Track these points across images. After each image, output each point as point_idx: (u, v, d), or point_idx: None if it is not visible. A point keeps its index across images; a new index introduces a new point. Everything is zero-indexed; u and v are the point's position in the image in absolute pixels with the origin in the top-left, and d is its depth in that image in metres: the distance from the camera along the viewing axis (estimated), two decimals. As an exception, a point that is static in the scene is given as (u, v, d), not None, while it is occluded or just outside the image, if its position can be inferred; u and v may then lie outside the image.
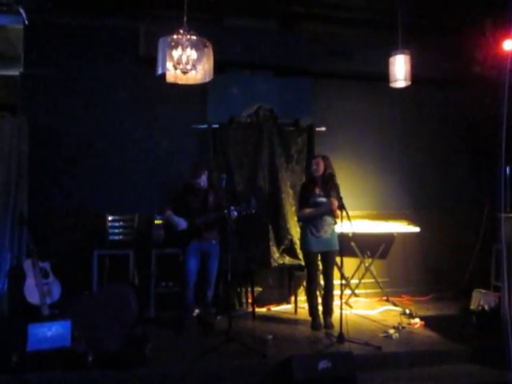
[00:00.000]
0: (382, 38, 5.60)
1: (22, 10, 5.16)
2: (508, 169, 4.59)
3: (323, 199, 4.51)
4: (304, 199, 4.62)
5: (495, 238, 5.11)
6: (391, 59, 4.71)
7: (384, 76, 4.81)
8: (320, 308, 4.71)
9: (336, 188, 4.41)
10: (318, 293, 4.86)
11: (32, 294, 4.53)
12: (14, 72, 5.45)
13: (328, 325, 4.40)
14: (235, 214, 4.33)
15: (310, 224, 4.56)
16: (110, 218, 5.29)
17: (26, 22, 5.27)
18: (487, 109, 5.62)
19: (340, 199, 4.25)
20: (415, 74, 4.69)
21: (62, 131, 5.39)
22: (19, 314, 4.52)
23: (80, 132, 5.43)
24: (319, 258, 4.69)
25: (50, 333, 3.62)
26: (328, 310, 4.59)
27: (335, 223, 4.58)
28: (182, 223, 4.49)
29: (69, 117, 5.42)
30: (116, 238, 5.29)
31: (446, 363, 3.93)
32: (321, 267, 4.76)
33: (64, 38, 5.42)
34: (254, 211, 4.45)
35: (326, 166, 4.57)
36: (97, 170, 5.44)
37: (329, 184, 4.52)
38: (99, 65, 5.47)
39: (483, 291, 5.01)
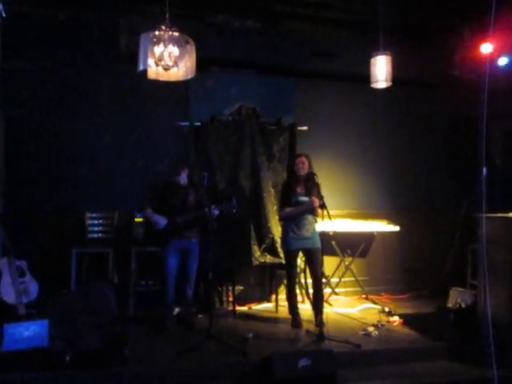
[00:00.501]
0: (364, 39, 5.65)
1: (-1, 2, 5.04)
2: (486, 169, 4.68)
3: (305, 198, 4.53)
4: (286, 198, 4.63)
5: (472, 237, 5.21)
6: (372, 60, 4.76)
7: (365, 77, 4.86)
8: (300, 306, 4.75)
9: (317, 187, 4.46)
10: (297, 291, 4.89)
11: (8, 293, 4.43)
12: (-9, 65, 5.32)
13: (319, 323, 4.37)
14: (216, 212, 4.30)
15: (292, 223, 4.57)
16: (89, 216, 5.22)
17: (3, 14, 5.14)
18: (466, 110, 5.73)
19: (321, 198, 4.29)
20: (396, 76, 4.75)
21: (39, 127, 5.29)
22: (-5, 314, 4.42)
23: (58, 128, 5.34)
24: (300, 256, 4.70)
25: (27, 333, 3.56)
26: (318, 308, 4.56)
27: (316, 222, 4.60)
28: (161, 222, 4.44)
29: (46, 112, 5.33)
30: (95, 235, 5.23)
31: (425, 360, 3.98)
32: (302, 266, 4.78)
33: (43, 31, 5.31)
34: (234, 211, 4.43)
35: (309, 164, 4.60)
36: (76, 166, 5.36)
37: (310, 183, 4.56)
38: (78, 59, 5.39)
39: (460, 289, 5.12)
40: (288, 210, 4.55)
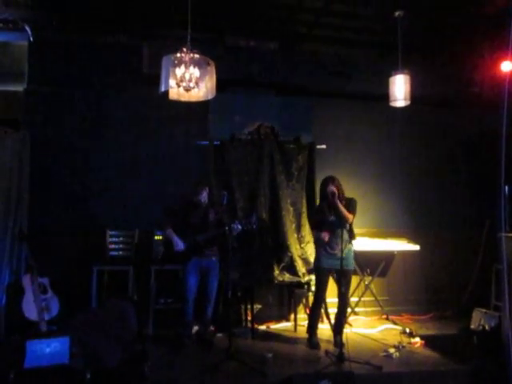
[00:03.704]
0: (381, 58, 5.70)
1: (27, 27, 5.25)
2: (507, 188, 4.61)
3: (334, 218, 4.49)
4: (318, 219, 4.63)
5: (495, 257, 5.11)
6: (391, 79, 4.78)
7: (384, 96, 4.87)
8: (319, 326, 4.71)
9: (347, 206, 4.47)
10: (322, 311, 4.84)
11: (30, 310, 4.49)
12: (18, 88, 5.50)
13: (338, 343, 4.30)
14: (239, 227, 4.32)
15: (326, 242, 4.54)
16: (110, 234, 5.29)
17: (31, 39, 5.35)
18: (486, 128, 5.69)
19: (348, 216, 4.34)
20: (414, 94, 4.76)
21: (63, 147, 5.44)
22: (17, 330, 4.48)
23: (82, 148, 5.48)
24: (330, 277, 4.64)
25: (49, 349, 3.59)
26: (338, 328, 4.52)
27: (351, 242, 4.56)
28: (180, 245, 4.48)
29: (71, 133, 5.48)
30: (116, 253, 5.28)
31: (447, 383, 3.89)
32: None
33: (68, 55, 5.49)
34: (254, 227, 4.44)
35: (338, 187, 4.52)
36: (98, 185, 5.46)
37: (332, 203, 4.49)
38: (102, 82, 5.54)
39: (484, 310, 4.99)
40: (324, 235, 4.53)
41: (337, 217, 4.46)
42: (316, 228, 4.76)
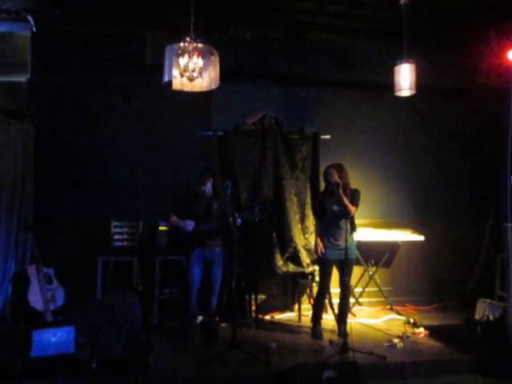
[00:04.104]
0: (386, 47, 5.63)
1: (30, 18, 5.23)
2: (513, 178, 4.59)
3: (338, 208, 4.47)
4: (321, 208, 4.61)
5: (500, 247, 5.09)
6: (396, 68, 4.73)
7: (389, 85, 4.83)
8: (323, 316, 4.74)
9: (351, 196, 4.44)
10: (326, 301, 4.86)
11: (36, 300, 4.54)
12: (21, 79, 5.49)
13: (342, 333, 4.33)
14: (239, 221, 4.32)
15: (328, 233, 4.54)
16: (114, 225, 5.30)
17: (34, 30, 5.33)
18: (492, 119, 5.64)
19: (352, 206, 4.33)
20: (420, 84, 4.71)
21: (67, 138, 5.44)
22: (23, 320, 4.52)
23: (86, 139, 5.48)
24: (334, 267, 4.65)
25: (54, 339, 3.62)
26: (342, 318, 4.53)
27: (353, 232, 4.55)
28: (190, 225, 4.47)
29: (75, 124, 5.47)
30: (120, 244, 5.30)
31: (451, 373, 3.91)
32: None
33: (71, 45, 5.47)
34: (257, 219, 4.43)
35: (340, 175, 4.49)
36: (102, 176, 5.46)
37: (335, 193, 4.46)
38: (106, 72, 5.52)
39: (488, 301, 4.99)
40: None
41: (340, 207, 4.45)
42: (317, 217, 4.74)
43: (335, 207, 4.50)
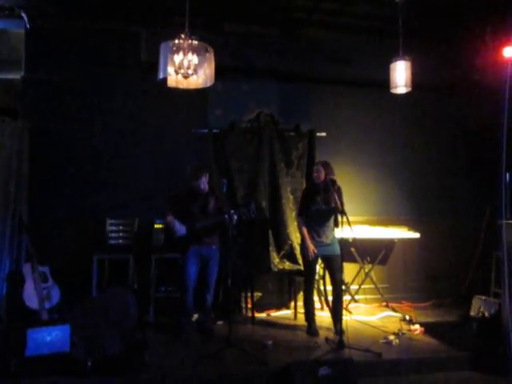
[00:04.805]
0: (382, 44, 5.64)
1: (23, 15, 5.19)
2: (508, 175, 4.59)
3: (324, 206, 4.50)
4: (305, 206, 4.62)
5: (495, 244, 5.11)
6: (392, 65, 4.72)
7: (384, 82, 4.82)
8: (317, 313, 4.75)
9: (338, 193, 4.39)
10: (316, 298, 4.85)
11: (31, 299, 4.52)
12: (16, 76, 5.46)
13: (338, 331, 4.31)
14: (236, 218, 4.30)
15: (311, 229, 4.56)
16: (109, 222, 5.28)
17: (28, 27, 5.30)
18: (487, 116, 5.64)
19: (341, 204, 4.26)
20: (415, 81, 4.70)
21: (62, 135, 5.41)
22: (18, 319, 4.50)
23: (80, 136, 5.45)
24: (319, 263, 4.66)
25: (50, 337, 3.60)
26: (337, 315, 4.51)
27: (337, 228, 4.56)
28: (182, 230, 4.47)
29: (69, 121, 5.44)
30: (116, 242, 5.28)
31: (447, 370, 3.92)
32: (321, 273, 4.74)
33: (65, 42, 5.45)
34: (253, 216, 4.42)
35: (327, 172, 4.54)
36: (97, 174, 5.45)
37: (330, 190, 4.49)
38: (100, 69, 5.50)
39: (483, 298, 5.00)
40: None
41: (326, 204, 4.45)
42: (301, 214, 4.68)
43: (321, 204, 4.50)
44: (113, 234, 5.29)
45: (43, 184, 5.25)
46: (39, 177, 5.21)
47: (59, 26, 5.39)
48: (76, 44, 5.45)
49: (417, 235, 5.64)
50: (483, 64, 5.59)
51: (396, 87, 4.75)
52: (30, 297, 4.52)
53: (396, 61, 4.68)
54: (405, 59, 4.65)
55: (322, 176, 4.49)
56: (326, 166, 4.55)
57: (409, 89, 4.73)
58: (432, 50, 5.77)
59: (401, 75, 4.67)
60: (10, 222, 4.92)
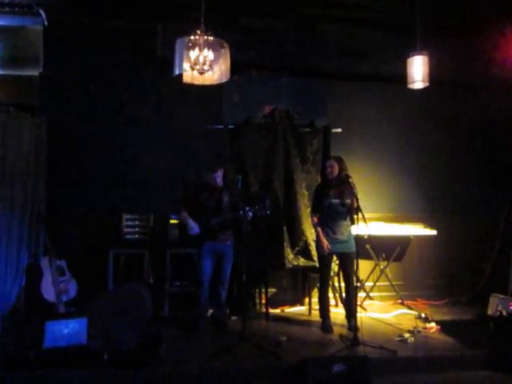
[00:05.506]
0: (398, 39, 5.56)
1: (41, 11, 5.25)
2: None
3: (337, 201, 4.47)
4: (318, 202, 4.59)
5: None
6: (409, 60, 4.66)
7: (401, 78, 4.76)
8: (332, 310, 4.73)
9: (351, 189, 4.35)
10: (331, 295, 4.84)
11: (48, 292, 4.59)
12: (34, 72, 5.52)
13: (352, 327, 4.29)
14: (250, 214, 4.31)
15: (326, 226, 4.54)
16: (125, 218, 5.32)
17: (46, 23, 5.35)
18: (506, 111, 5.54)
19: (356, 200, 4.23)
20: (433, 76, 4.64)
21: (79, 131, 5.47)
22: (35, 311, 4.58)
23: (97, 133, 5.50)
24: (334, 260, 4.64)
25: (67, 330, 3.65)
26: (351, 312, 4.50)
27: (352, 225, 4.53)
28: (195, 229, 4.49)
29: (87, 117, 5.50)
30: (131, 237, 5.31)
31: (463, 369, 3.87)
32: (336, 269, 4.72)
33: (83, 38, 5.49)
34: (268, 212, 4.42)
35: (341, 167, 4.52)
36: (113, 169, 5.49)
37: (343, 186, 4.47)
38: (116, 65, 5.53)
39: (501, 296, 4.93)
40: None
41: (339, 199, 4.42)
42: (314, 211, 4.66)
43: (335, 200, 4.47)
44: (129, 229, 5.32)
45: (61, 179, 5.31)
46: (57, 172, 5.28)
47: (77, 22, 5.44)
48: (93, 40, 5.49)
49: (433, 232, 5.58)
50: (503, 58, 5.49)
51: (413, 82, 4.69)
52: (48, 290, 4.59)
53: (413, 56, 4.62)
54: (422, 54, 4.59)
55: (336, 171, 4.48)
56: (340, 161, 4.53)
57: (426, 84, 4.67)
58: (450, 45, 5.68)
59: (418, 70, 4.60)
60: (29, 216, 5.00)
